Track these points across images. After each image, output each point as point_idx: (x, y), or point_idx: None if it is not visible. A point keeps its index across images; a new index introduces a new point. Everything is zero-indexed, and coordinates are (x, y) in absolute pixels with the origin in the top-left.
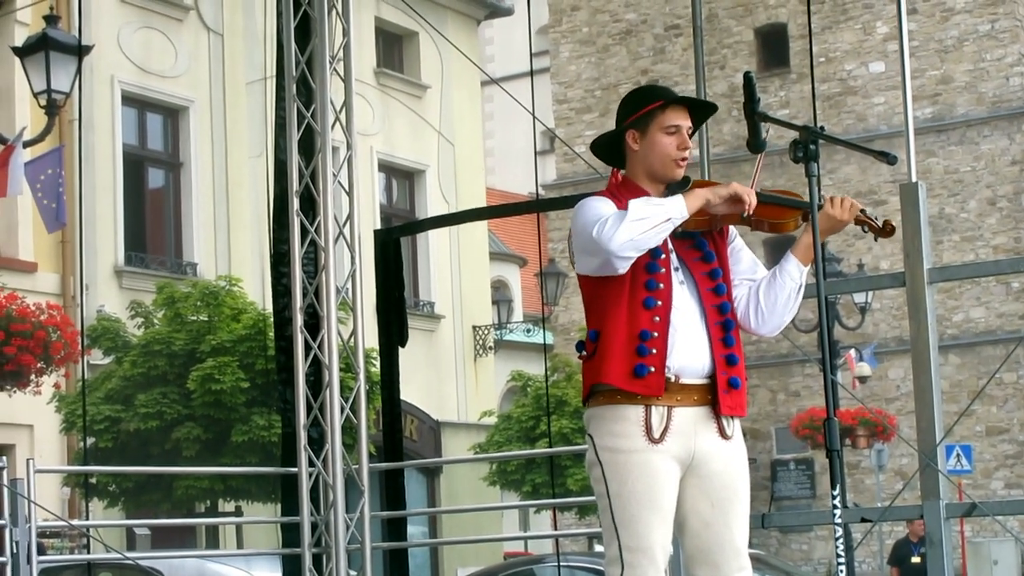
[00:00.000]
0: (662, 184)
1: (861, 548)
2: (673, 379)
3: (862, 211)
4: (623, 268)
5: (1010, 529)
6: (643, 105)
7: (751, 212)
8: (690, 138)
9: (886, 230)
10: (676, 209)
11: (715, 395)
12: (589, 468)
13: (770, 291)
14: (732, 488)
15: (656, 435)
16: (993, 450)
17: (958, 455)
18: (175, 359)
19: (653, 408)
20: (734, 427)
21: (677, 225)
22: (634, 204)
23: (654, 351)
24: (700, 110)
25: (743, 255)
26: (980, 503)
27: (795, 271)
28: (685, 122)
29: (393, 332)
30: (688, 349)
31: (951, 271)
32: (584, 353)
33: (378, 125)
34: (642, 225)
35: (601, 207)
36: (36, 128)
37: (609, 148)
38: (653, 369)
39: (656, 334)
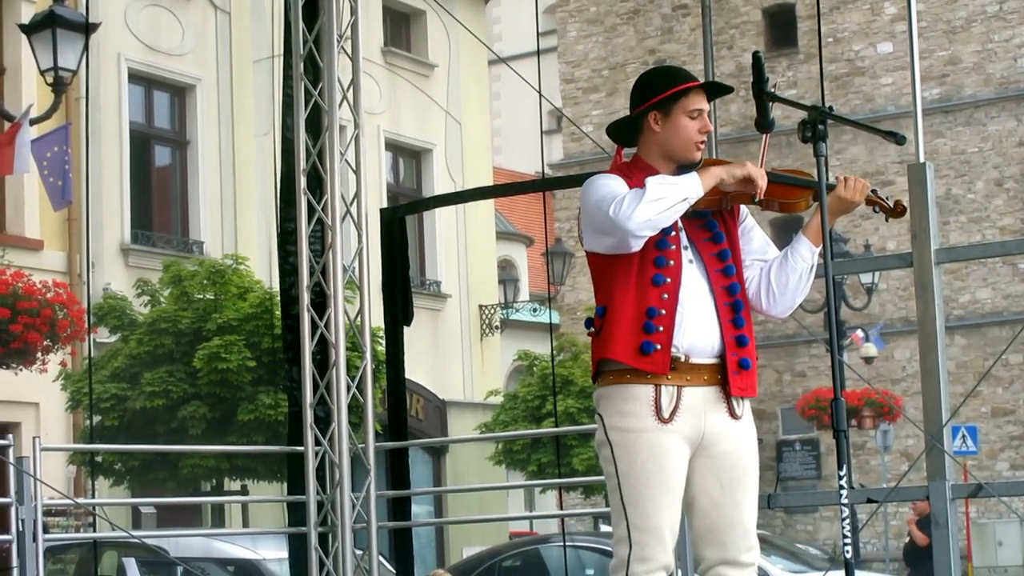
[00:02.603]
0: (675, 164)
1: (866, 529)
2: (683, 358)
3: (873, 191)
4: (638, 247)
5: (1015, 510)
6: (667, 87)
7: (762, 195)
8: None
9: (897, 210)
10: (692, 188)
11: (725, 375)
12: (598, 447)
13: (782, 272)
14: (742, 468)
15: (666, 415)
16: (999, 431)
17: (964, 436)
18: (181, 337)
19: (663, 388)
20: (744, 407)
21: (692, 202)
22: (651, 183)
23: (661, 328)
24: (713, 92)
25: (754, 235)
26: (986, 484)
27: (807, 252)
28: (706, 105)
29: (398, 311)
30: (697, 328)
31: (958, 252)
32: (592, 330)
33: (385, 104)
34: (660, 205)
35: (614, 185)
36: (43, 106)
37: (622, 128)
38: (659, 347)
39: (664, 311)
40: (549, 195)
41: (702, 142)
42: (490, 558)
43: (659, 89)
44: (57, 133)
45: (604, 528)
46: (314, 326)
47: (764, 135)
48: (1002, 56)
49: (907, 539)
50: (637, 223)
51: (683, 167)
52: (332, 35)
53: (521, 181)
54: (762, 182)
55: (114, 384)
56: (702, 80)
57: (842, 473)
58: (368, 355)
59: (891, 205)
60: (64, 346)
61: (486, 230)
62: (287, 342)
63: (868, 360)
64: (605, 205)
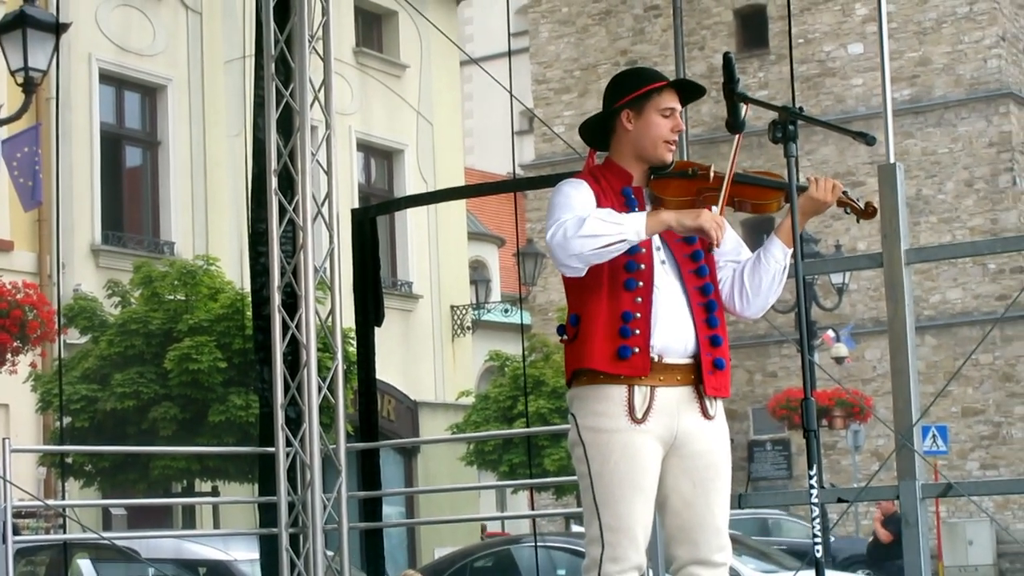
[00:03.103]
0: (647, 164)
1: (837, 528)
2: (656, 359)
3: (844, 192)
4: (572, 275)
5: (985, 509)
6: (641, 86)
7: (718, 246)
8: None
9: (868, 212)
10: (634, 230)
11: (699, 375)
12: (571, 447)
13: (754, 274)
14: (714, 468)
15: (639, 415)
16: (969, 431)
17: (934, 436)
18: (152, 338)
19: (636, 388)
20: (717, 407)
21: (632, 244)
22: (591, 218)
23: (637, 332)
24: (687, 93)
25: (727, 236)
26: (956, 483)
27: (779, 253)
28: (678, 105)
29: (369, 312)
30: (671, 329)
31: (928, 252)
32: (565, 337)
33: (357, 104)
34: (593, 242)
35: (572, 198)
36: (13, 106)
37: (594, 128)
38: (637, 350)
39: (639, 315)
40: (520, 196)
41: (674, 141)
42: (462, 559)
43: (632, 88)
44: (27, 133)
45: (576, 528)
46: (285, 327)
47: (736, 136)
48: (972, 57)
49: (871, 538)
50: (566, 255)
51: (654, 169)
52: (303, 35)
53: (493, 182)
54: (716, 233)
55: (84, 385)
56: (681, 80)
57: (812, 473)
58: (339, 356)
59: (862, 206)
60: (34, 347)
61: (457, 231)
62: (258, 343)
63: (839, 360)
64: (550, 225)
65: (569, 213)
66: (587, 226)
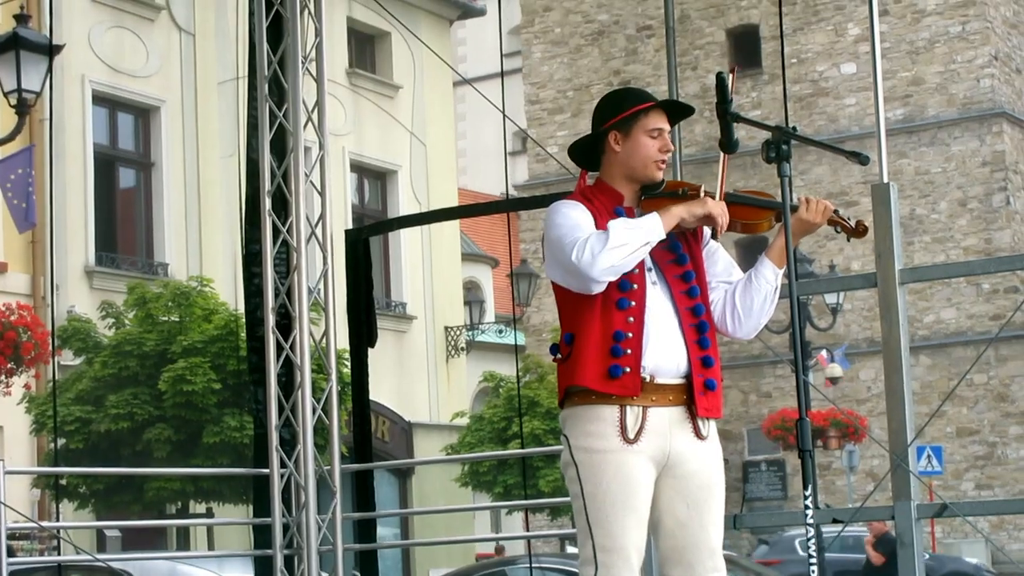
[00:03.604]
0: (637, 185)
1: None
2: (648, 379)
3: (835, 212)
4: (600, 290)
5: (980, 530)
6: (627, 107)
7: (723, 232)
8: None
9: (859, 230)
10: (654, 231)
11: (691, 396)
12: (564, 468)
13: (746, 294)
14: (708, 488)
15: (631, 435)
16: (964, 451)
17: (929, 456)
18: (146, 360)
19: (628, 408)
20: (709, 428)
21: (653, 245)
22: (614, 228)
23: (629, 351)
24: (677, 113)
25: (719, 256)
26: (951, 504)
27: (770, 274)
28: (667, 125)
29: (363, 333)
30: (662, 349)
31: (922, 272)
32: (559, 356)
33: (350, 125)
34: (623, 251)
35: (575, 217)
36: (6, 128)
37: (584, 149)
38: (628, 369)
39: (630, 335)
40: (514, 216)
41: (663, 161)
42: None
43: (619, 109)
44: (21, 155)
45: (571, 549)
46: (279, 348)
47: (722, 156)
48: (965, 76)
49: (865, 559)
50: (600, 270)
51: (645, 187)
52: (297, 56)
53: (486, 202)
54: (723, 219)
55: (79, 407)
56: (669, 100)
57: (807, 493)
58: (333, 377)
59: (853, 225)
60: (28, 369)
61: (451, 252)
62: (252, 364)
63: (833, 380)
64: (567, 247)
65: (581, 232)
66: (614, 237)
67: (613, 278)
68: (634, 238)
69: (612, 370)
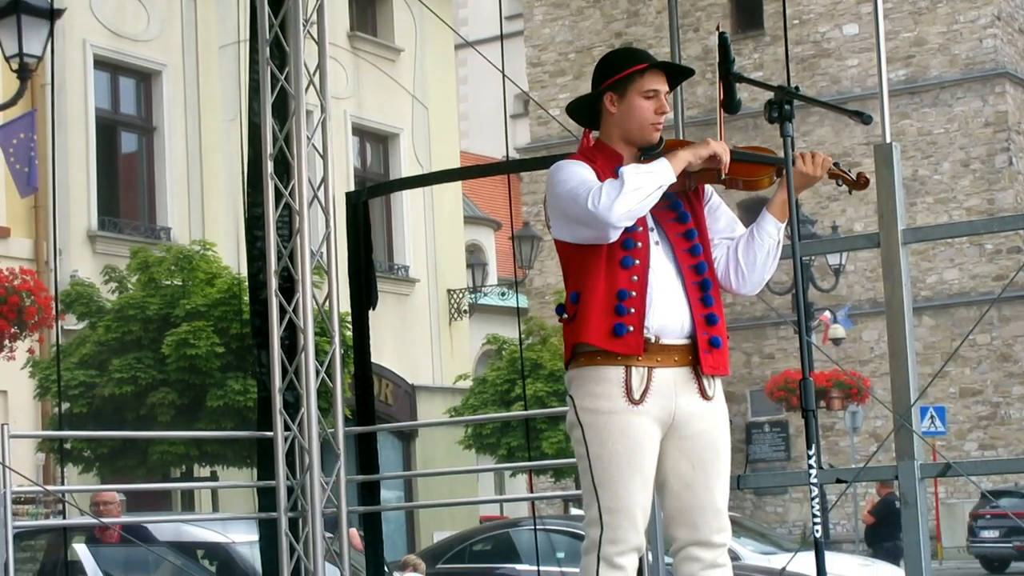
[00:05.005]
0: (636, 147)
1: (836, 510)
2: (653, 339)
3: (835, 164)
4: (616, 238)
5: (984, 490)
6: (622, 68)
7: (727, 171)
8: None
9: (860, 182)
10: (665, 174)
11: (696, 355)
12: (570, 429)
13: (749, 250)
14: (713, 449)
15: (636, 396)
16: (967, 411)
17: (932, 417)
18: (149, 324)
19: (633, 369)
20: (715, 387)
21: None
22: (627, 173)
23: (632, 310)
24: (677, 74)
25: (720, 214)
26: (954, 463)
27: (772, 228)
28: (663, 86)
29: (363, 295)
30: (666, 309)
31: (925, 232)
32: (565, 316)
33: (352, 89)
34: (639, 195)
35: (582, 173)
36: (8, 93)
37: (584, 110)
38: (632, 328)
39: (634, 293)
40: (515, 179)
41: (659, 123)
42: (460, 542)
43: (615, 70)
44: (23, 120)
45: (575, 511)
46: (282, 311)
47: (719, 110)
48: (967, 37)
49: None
50: (618, 215)
51: (644, 149)
52: (298, 20)
53: (487, 164)
54: (726, 156)
55: (82, 371)
56: (664, 62)
57: (811, 453)
58: (337, 340)
59: (854, 177)
60: (32, 333)
61: (453, 214)
62: (255, 327)
63: (836, 341)
64: (581, 197)
65: (590, 184)
66: (629, 182)
67: (629, 223)
68: (648, 182)
69: (616, 328)
